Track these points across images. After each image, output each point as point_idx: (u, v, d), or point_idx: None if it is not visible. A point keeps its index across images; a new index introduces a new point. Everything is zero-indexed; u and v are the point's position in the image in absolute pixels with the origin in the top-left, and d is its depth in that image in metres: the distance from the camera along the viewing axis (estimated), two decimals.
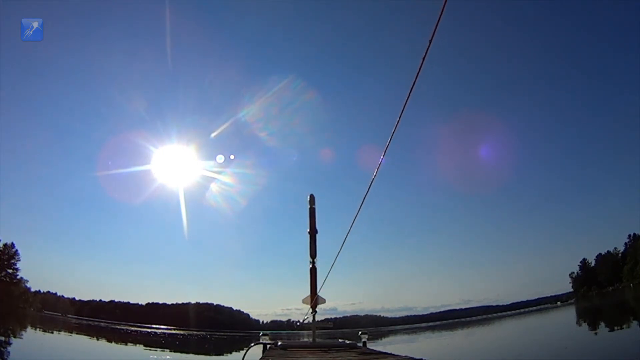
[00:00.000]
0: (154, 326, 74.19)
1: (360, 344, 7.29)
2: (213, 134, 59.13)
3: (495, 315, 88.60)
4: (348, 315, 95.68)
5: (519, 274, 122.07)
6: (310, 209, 7.85)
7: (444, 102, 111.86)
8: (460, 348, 32.92)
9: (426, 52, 2.47)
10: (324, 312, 7.90)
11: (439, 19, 2.25)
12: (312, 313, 7.42)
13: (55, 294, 79.33)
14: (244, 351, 7.38)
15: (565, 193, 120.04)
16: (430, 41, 2.43)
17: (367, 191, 4.11)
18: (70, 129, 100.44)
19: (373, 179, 3.96)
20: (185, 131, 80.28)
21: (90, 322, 67.41)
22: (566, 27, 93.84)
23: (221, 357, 33.44)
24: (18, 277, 64.20)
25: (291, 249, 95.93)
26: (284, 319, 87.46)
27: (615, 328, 27.74)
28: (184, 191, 63.82)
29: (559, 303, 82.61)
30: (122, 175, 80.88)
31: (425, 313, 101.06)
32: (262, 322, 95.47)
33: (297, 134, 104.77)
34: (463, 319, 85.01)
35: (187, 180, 65.70)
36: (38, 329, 44.53)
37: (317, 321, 7.51)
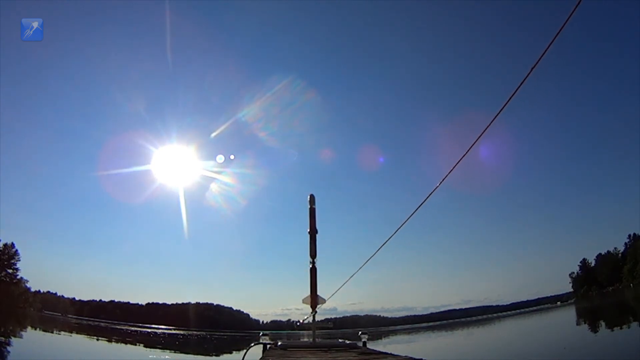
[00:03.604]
0: (154, 326, 74.23)
1: (360, 344, 7.28)
2: (213, 134, 59.16)
3: (495, 315, 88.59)
4: (348, 315, 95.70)
5: (519, 274, 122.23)
6: (310, 209, 7.82)
7: (444, 102, 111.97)
8: (460, 348, 32.92)
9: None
10: (324, 312, 7.88)
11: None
12: (312, 313, 7.41)
13: (55, 294, 79.56)
14: (244, 351, 7.37)
15: (566, 193, 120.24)
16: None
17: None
18: (70, 129, 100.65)
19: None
20: (185, 131, 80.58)
21: (90, 322, 67.43)
22: (566, 26, 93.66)
23: (221, 357, 33.45)
24: (18, 277, 64.43)
25: (291, 249, 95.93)
26: (284, 319, 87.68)
27: (615, 328, 27.74)
28: (184, 191, 63.51)
29: (559, 303, 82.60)
30: (122, 175, 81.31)
31: (425, 313, 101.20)
32: (262, 322, 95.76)
33: (297, 134, 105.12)
34: (463, 319, 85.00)
35: (187, 180, 65.58)
36: (38, 329, 44.53)
37: (317, 321, 7.50)
